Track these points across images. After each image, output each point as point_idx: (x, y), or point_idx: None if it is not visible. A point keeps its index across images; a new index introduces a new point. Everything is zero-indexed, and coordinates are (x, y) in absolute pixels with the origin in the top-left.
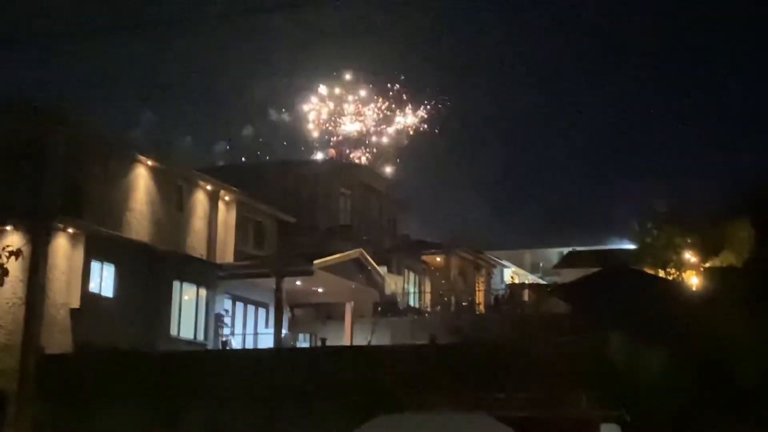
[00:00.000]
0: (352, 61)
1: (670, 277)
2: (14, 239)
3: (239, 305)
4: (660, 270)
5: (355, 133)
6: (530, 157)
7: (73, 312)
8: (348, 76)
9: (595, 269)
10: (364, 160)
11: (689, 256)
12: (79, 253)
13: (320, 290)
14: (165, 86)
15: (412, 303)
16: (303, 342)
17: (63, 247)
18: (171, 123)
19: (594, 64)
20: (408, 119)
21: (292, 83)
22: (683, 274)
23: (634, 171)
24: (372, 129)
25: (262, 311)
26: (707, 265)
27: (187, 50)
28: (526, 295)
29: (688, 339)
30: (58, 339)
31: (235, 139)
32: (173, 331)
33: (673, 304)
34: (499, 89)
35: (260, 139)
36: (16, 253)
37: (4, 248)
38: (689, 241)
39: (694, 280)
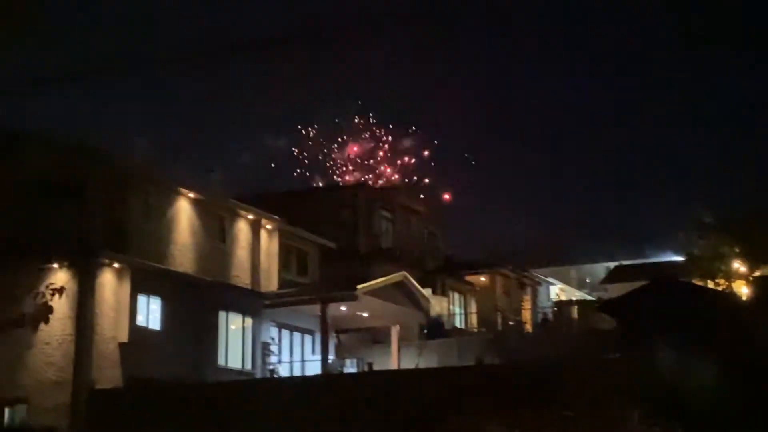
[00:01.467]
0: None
1: (720, 288)
2: (60, 276)
3: (285, 333)
4: (709, 281)
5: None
6: (572, 172)
7: (122, 346)
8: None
9: (642, 283)
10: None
11: (738, 266)
12: (126, 288)
13: (365, 315)
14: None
15: (457, 324)
16: (350, 367)
17: (109, 282)
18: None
19: (630, 74)
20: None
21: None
22: (732, 284)
23: (679, 181)
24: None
25: (308, 338)
26: (757, 274)
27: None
28: (574, 311)
29: (740, 350)
30: (107, 373)
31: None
32: (221, 361)
33: (723, 314)
34: (535, 101)
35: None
36: (60, 291)
37: (47, 286)
38: (737, 250)
39: (744, 290)
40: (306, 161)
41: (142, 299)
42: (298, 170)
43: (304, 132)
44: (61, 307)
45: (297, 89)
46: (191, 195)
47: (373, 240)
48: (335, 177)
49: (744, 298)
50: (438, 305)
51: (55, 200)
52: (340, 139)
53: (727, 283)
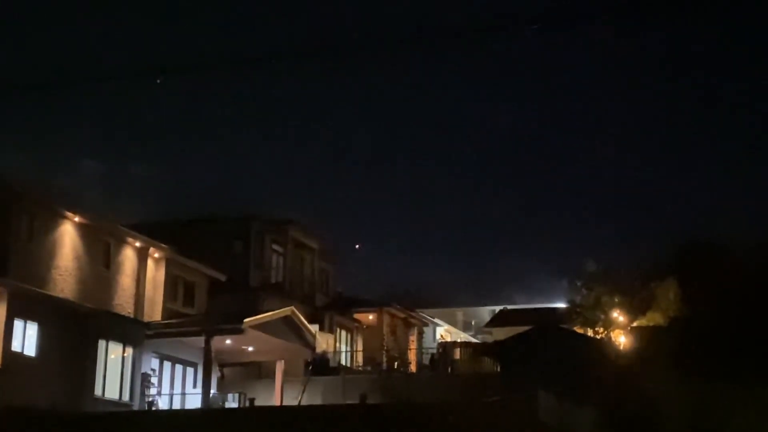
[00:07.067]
0: None
1: (599, 336)
2: None
3: (167, 364)
4: (589, 329)
5: None
6: (462, 215)
7: None
8: None
9: (526, 327)
10: None
11: (617, 315)
12: (1, 311)
13: (251, 349)
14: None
15: (343, 362)
16: (232, 402)
17: None
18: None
19: (525, 126)
20: None
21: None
22: (611, 333)
23: (566, 230)
24: None
25: (190, 371)
26: (635, 324)
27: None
28: (457, 353)
29: (617, 397)
30: None
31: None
32: (98, 392)
33: (602, 362)
34: (433, 148)
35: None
36: None
37: None
38: (617, 300)
39: (621, 339)
40: None
41: (18, 324)
42: None
43: None
44: None
45: None
46: (77, 219)
47: (264, 273)
48: None
49: (621, 347)
50: (325, 342)
51: None
52: None
53: (606, 332)
